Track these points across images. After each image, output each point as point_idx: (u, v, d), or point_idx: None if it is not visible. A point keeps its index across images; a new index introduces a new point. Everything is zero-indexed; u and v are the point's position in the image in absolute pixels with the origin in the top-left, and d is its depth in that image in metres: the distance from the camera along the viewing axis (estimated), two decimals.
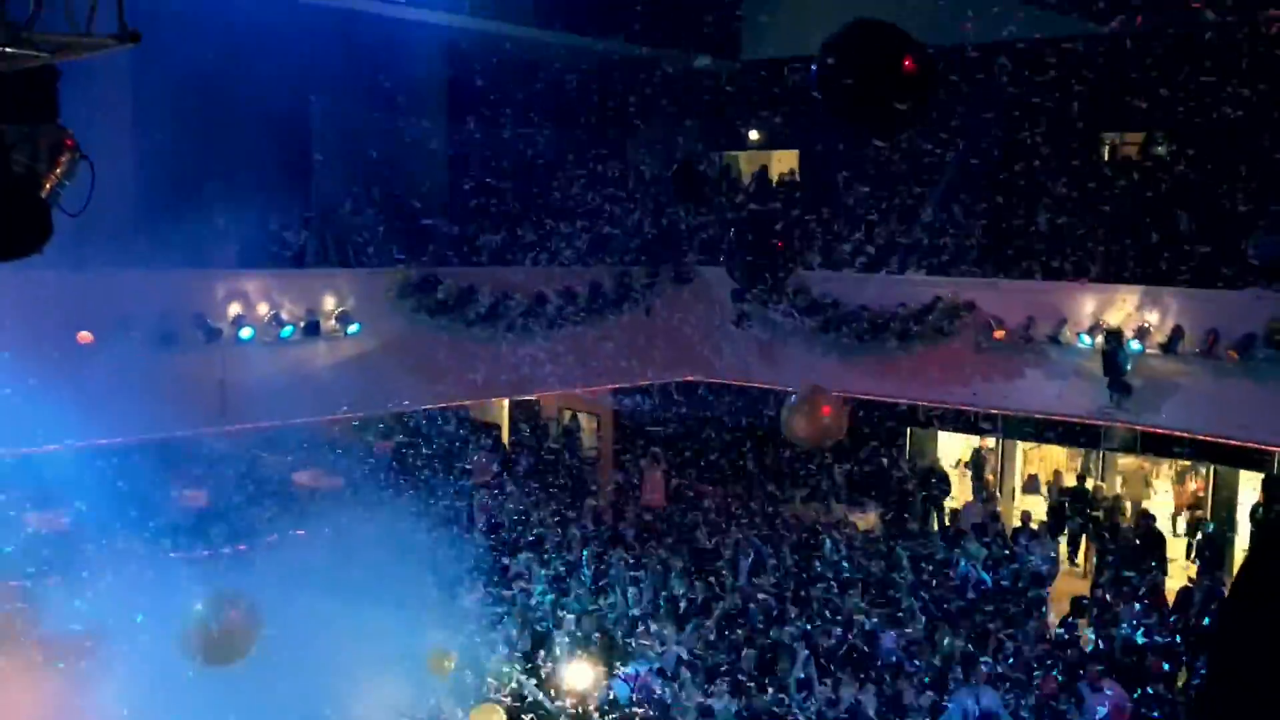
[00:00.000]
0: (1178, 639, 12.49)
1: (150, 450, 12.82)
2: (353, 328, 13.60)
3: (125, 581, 10.48)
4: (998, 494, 18.56)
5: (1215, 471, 16.97)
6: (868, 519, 17.12)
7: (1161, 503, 18.19)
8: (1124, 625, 12.75)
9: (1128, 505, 17.75)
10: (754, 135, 20.44)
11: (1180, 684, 11.82)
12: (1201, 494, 17.60)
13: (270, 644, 8.97)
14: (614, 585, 14.35)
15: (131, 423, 11.72)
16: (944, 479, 18.72)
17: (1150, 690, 11.26)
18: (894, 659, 12.20)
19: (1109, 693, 10.95)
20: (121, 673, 9.46)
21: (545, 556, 15.31)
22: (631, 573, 14.90)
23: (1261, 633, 1.24)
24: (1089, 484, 17.94)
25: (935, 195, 15.95)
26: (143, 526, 11.65)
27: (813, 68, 4.93)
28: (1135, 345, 13.47)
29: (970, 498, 18.41)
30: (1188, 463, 17.75)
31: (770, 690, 11.43)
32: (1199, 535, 16.28)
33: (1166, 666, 11.71)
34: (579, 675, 11.47)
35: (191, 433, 12.77)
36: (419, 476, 15.98)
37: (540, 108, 17.25)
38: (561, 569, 14.94)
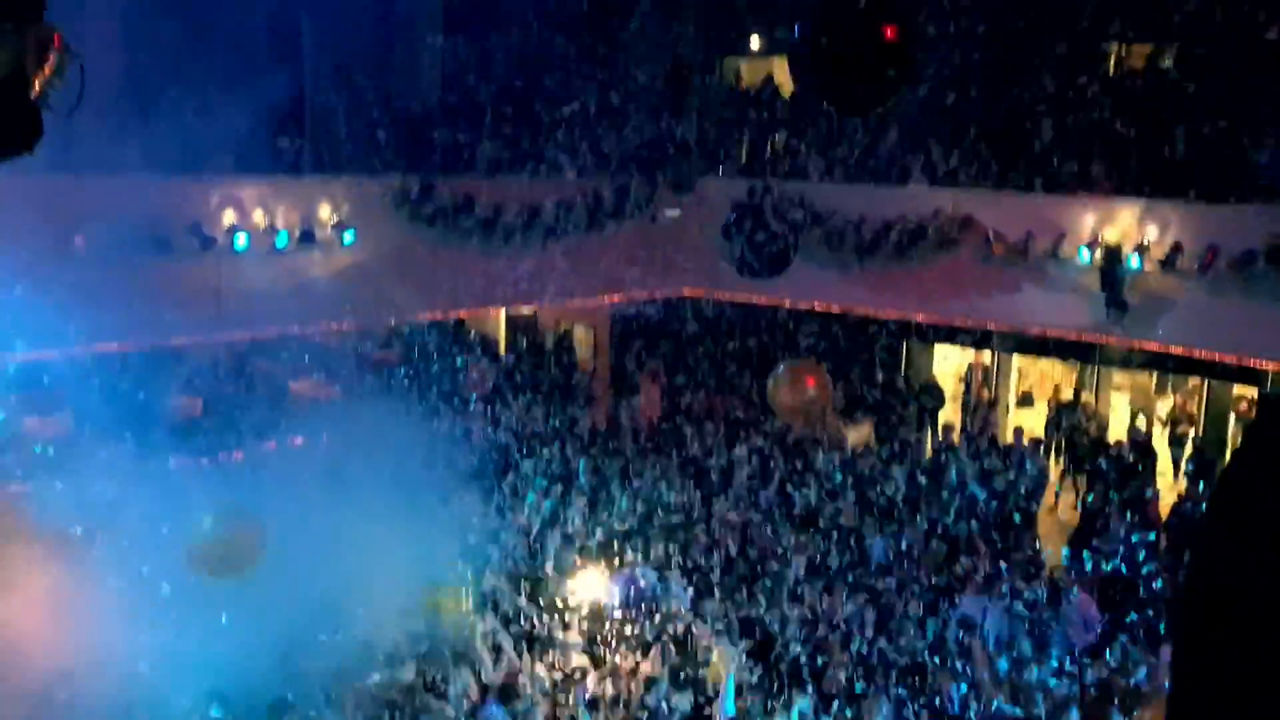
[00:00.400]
0: (1166, 553, 12.64)
1: (147, 357, 12.80)
2: (348, 237, 13.52)
3: (123, 486, 10.54)
4: (992, 409, 18.63)
5: (1209, 387, 17.04)
6: (861, 432, 17.20)
7: (1154, 418, 18.29)
8: (1115, 542, 12.89)
9: (1122, 420, 17.86)
10: (755, 42, 20.09)
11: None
12: (1194, 410, 17.69)
13: (268, 548, 9.09)
14: (609, 496, 14.48)
15: (127, 329, 11.71)
16: (939, 393, 18.78)
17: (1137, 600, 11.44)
18: (885, 566, 12.36)
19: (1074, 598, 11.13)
20: (118, 575, 9.56)
21: (542, 468, 15.43)
22: (626, 484, 15.04)
23: (1245, 530, 1.23)
24: (1084, 398, 18.02)
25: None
26: (141, 432, 11.68)
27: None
28: (1134, 261, 13.43)
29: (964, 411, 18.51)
30: (1182, 379, 17.81)
31: (762, 599, 11.60)
32: (1190, 451, 16.41)
33: (1159, 584, 11.87)
34: (576, 583, 11.65)
35: (188, 340, 12.75)
36: (416, 388, 16.02)
37: (538, 14, 16.92)
38: (558, 481, 15.06)
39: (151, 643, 9.11)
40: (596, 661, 10.24)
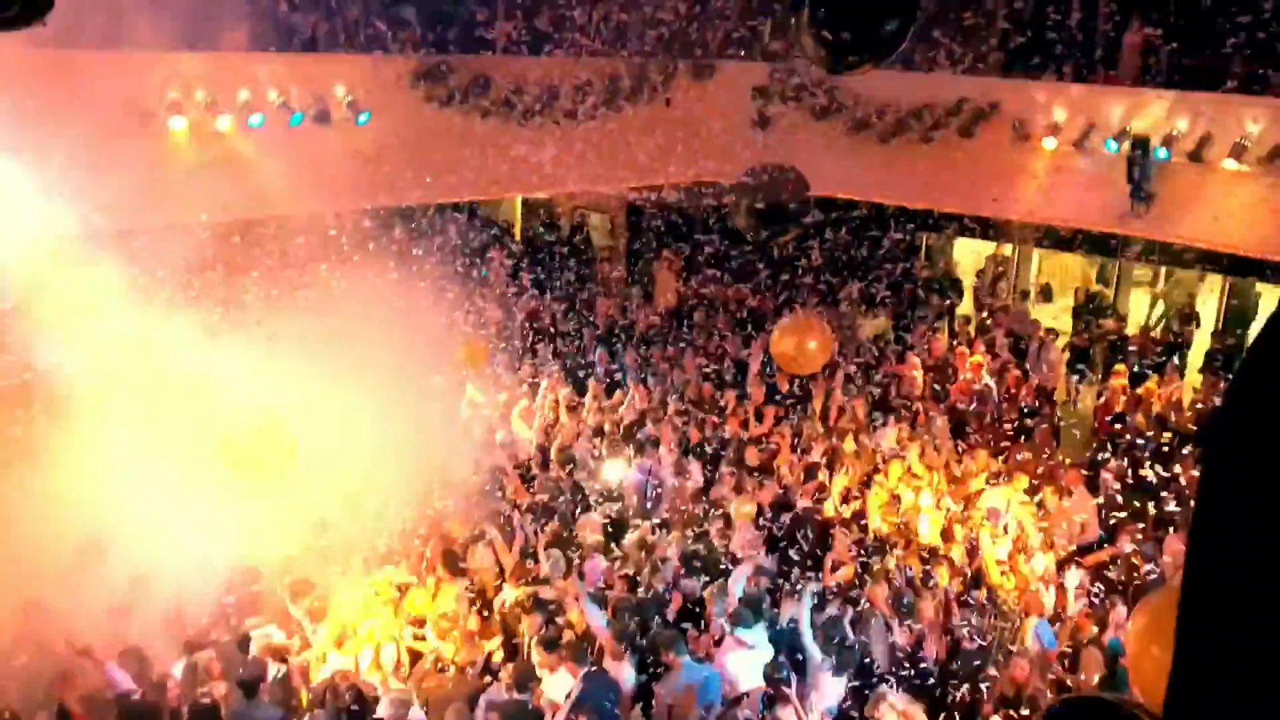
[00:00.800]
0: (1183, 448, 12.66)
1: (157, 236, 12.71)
2: (363, 117, 13.35)
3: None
4: (1010, 302, 18.55)
5: (1231, 284, 16.91)
6: (878, 324, 17.16)
7: (1175, 314, 18.17)
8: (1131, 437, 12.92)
9: (1141, 316, 17.78)
10: None
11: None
12: (1216, 307, 17.57)
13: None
14: (624, 384, 14.55)
15: (142, 207, 11.67)
16: (957, 286, 18.71)
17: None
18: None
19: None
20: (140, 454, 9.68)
21: (557, 355, 15.49)
22: (642, 372, 15.11)
23: (1261, 422, 1.19)
24: (1106, 294, 17.91)
25: None
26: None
27: None
28: (1161, 152, 13.19)
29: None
30: (1204, 274, 17.65)
31: (775, 486, 11.73)
32: (1209, 346, 16.34)
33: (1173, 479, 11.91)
34: (593, 467, 11.81)
35: (200, 218, 12.71)
36: (431, 274, 15.96)
37: None
38: (575, 368, 15.14)
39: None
40: (611, 544, 10.41)
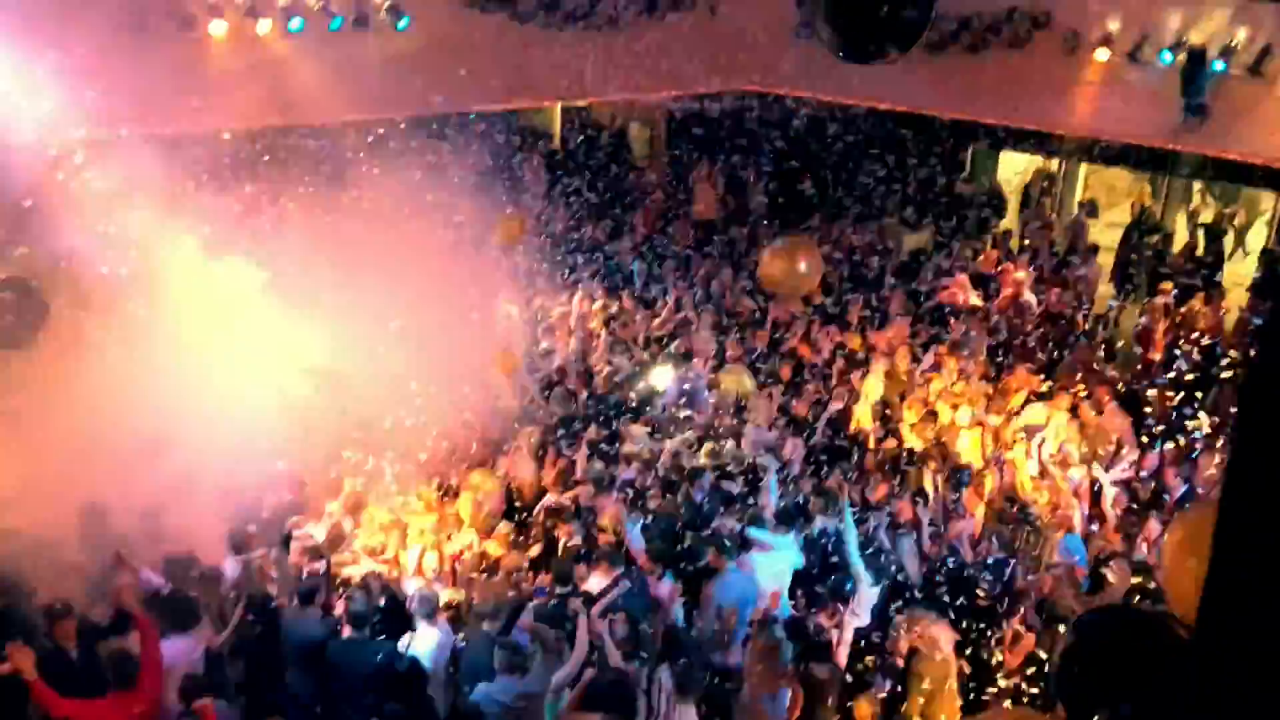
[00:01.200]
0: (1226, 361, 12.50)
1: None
2: (402, 21, 13.21)
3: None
4: (1054, 217, 18.26)
5: None
6: (919, 237, 16.96)
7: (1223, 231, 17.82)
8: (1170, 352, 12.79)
9: (1187, 233, 17.45)
10: None
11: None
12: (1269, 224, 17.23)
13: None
14: (663, 296, 14.54)
15: (182, 113, 11.67)
16: (1001, 200, 18.43)
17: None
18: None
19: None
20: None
21: (595, 267, 15.44)
22: (680, 283, 15.08)
23: None
24: (1154, 210, 17.57)
25: None
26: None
27: None
28: (1219, 64, 12.82)
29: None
30: (1254, 192, 17.28)
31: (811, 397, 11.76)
32: (1258, 264, 16.06)
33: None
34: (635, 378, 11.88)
35: (240, 125, 12.69)
36: (469, 182, 15.90)
37: None
38: (612, 279, 15.12)
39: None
40: (648, 453, 10.50)
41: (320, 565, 8.13)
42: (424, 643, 7.43)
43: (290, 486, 9.27)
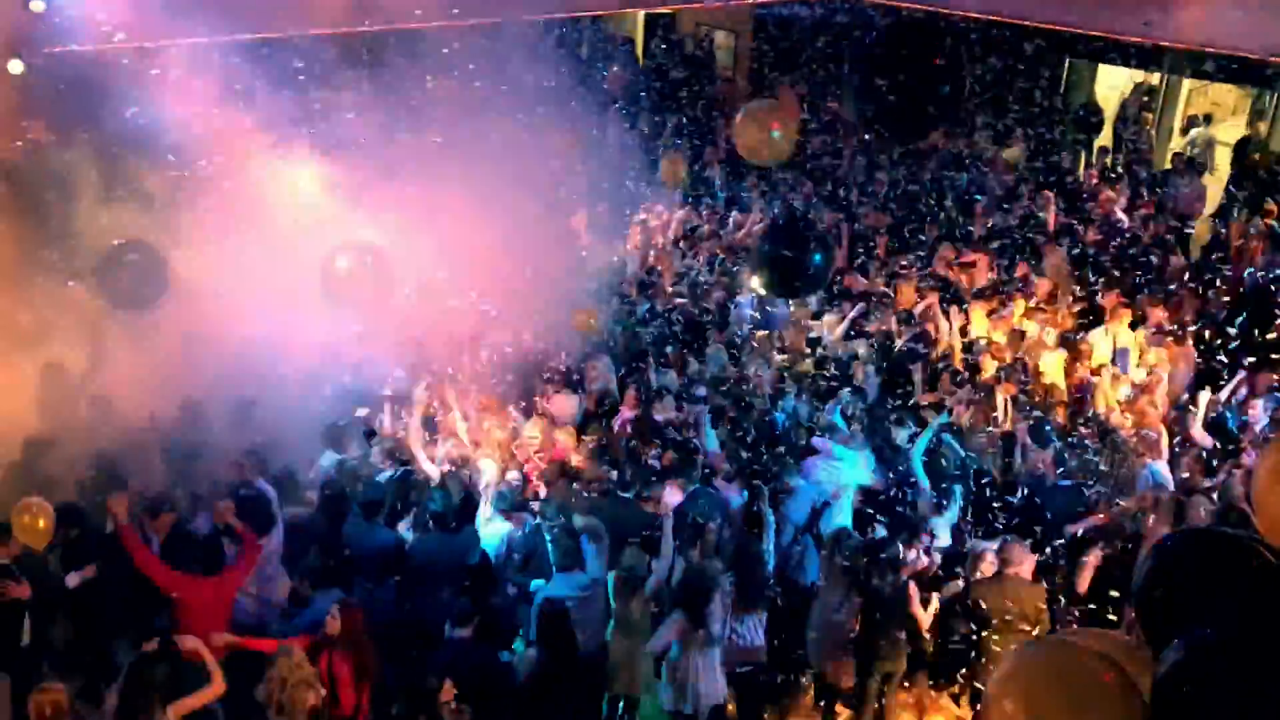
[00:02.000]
0: None
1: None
2: None
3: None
4: (1154, 135, 17.59)
5: None
6: (1012, 153, 16.46)
7: None
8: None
9: None
10: None
11: None
12: None
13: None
14: (745, 209, 14.36)
15: (260, 20, 11.63)
16: (1099, 115, 17.78)
17: None
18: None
19: None
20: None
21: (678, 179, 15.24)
22: (762, 197, 14.87)
23: None
24: (1261, 128, 16.81)
25: None
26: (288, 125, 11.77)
27: None
28: None
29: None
30: None
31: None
32: None
33: None
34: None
35: (324, 31, 12.61)
36: (550, 91, 15.74)
37: None
38: (694, 193, 14.96)
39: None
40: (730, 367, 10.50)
41: (398, 467, 8.32)
42: (494, 539, 7.73)
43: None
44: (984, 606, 7.18)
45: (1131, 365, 10.63)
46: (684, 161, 10.85)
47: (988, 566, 7.35)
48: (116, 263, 8.56)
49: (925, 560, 7.59)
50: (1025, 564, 7.30)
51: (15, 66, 9.25)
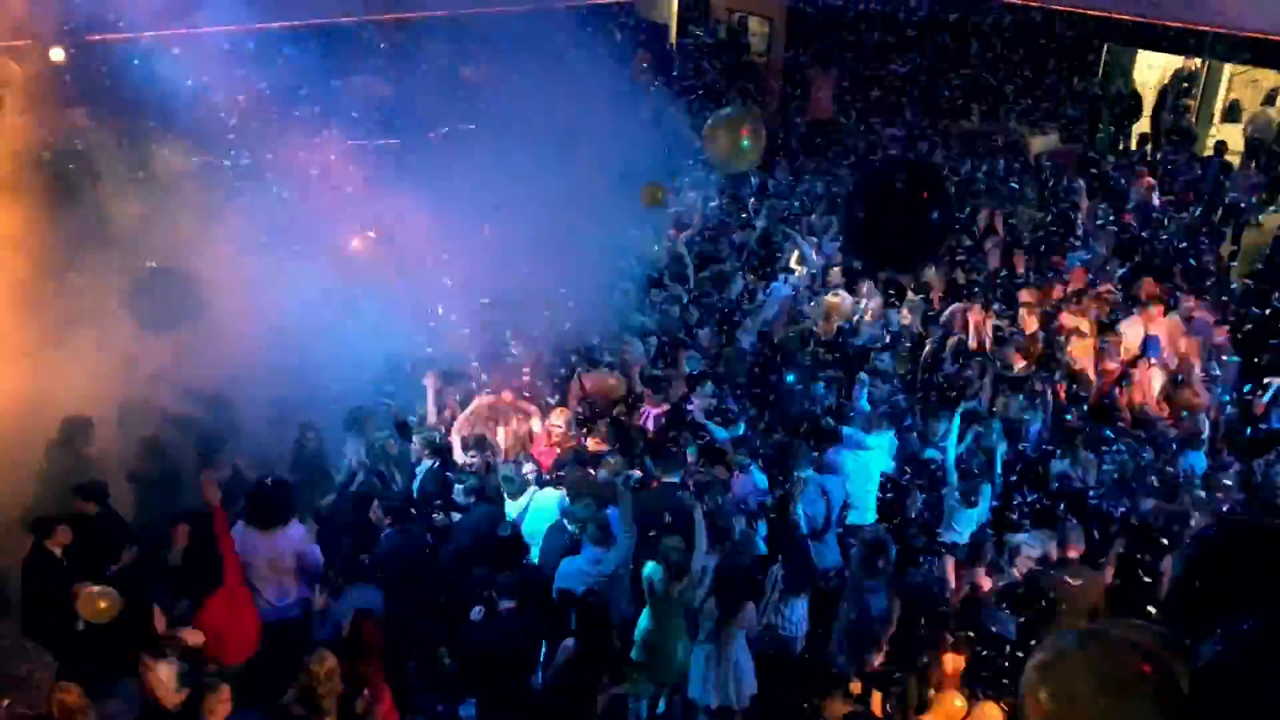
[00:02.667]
0: None
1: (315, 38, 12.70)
2: None
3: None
4: (1194, 120, 17.36)
5: None
6: (1047, 140, 16.30)
7: None
8: None
9: None
10: None
11: None
12: None
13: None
14: (779, 194, 14.31)
15: (297, 8, 11.70)
16: (1137, 101, 17.56)
17: None
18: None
19: None
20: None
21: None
22: (796, 184, 14.81)
23: None
24: None
25: None
26: (323, 112, 11.82)
27: None
28: None
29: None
30: None
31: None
32: None
33: None
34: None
35: (355, 19, 12.68)
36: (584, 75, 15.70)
37: None
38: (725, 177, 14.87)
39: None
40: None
41: (435, 460, 8.35)
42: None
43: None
44: (1050, 592, 7.09)
45: (1169, 353, 10.49)
46: (663, 185, 10.77)
47: (1051, 551, 7.28)
48: (147, 288, 8.65)
49: (988, 583, 7.46)
50: (1080, 549, 7.27)
51: (57, 54, 9.36)
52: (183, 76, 9.90)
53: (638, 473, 8.01)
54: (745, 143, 10.10)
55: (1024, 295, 11.19)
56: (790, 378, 9.67)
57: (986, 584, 7.30)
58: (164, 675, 5.76)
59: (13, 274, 9.00)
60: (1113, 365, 10.24)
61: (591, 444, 8.70)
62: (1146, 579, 7.37)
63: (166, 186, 10.37)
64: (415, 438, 8.53)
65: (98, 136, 10.56)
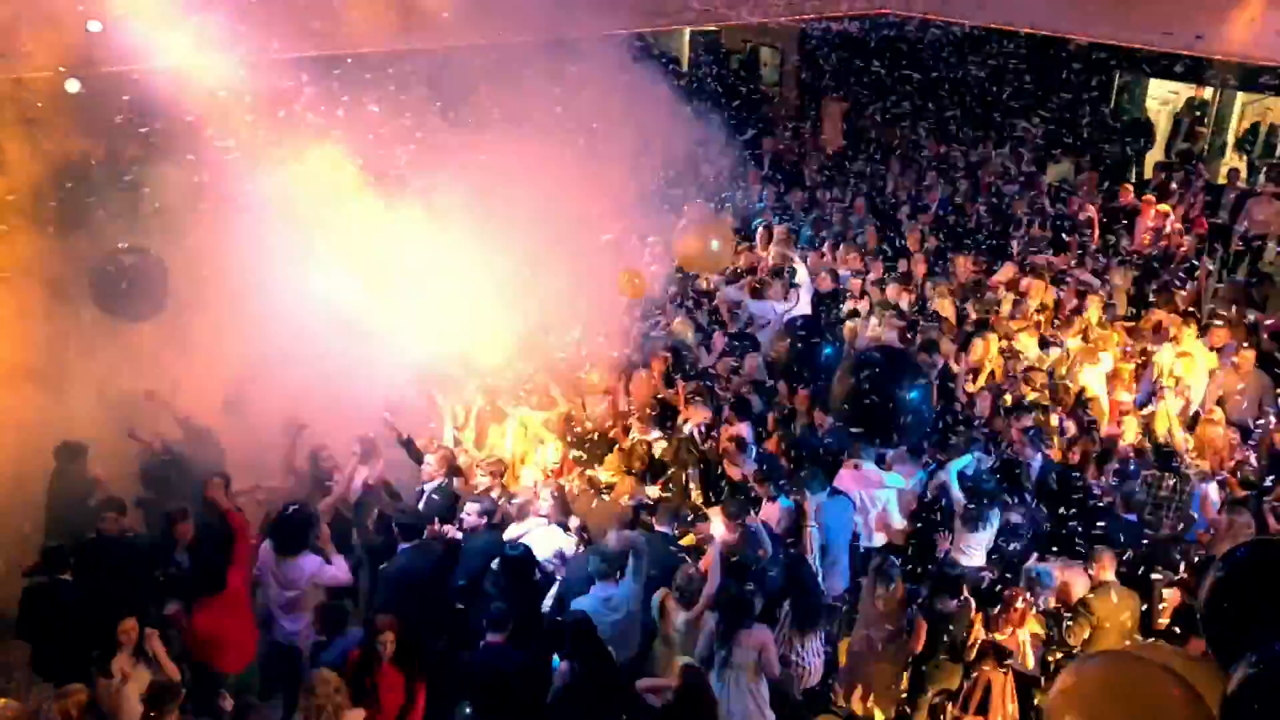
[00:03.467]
0: None
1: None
2: None
3: None
4: (1206, 149, 17.34)
5: None
6: (1060, 168, 16.29)
7: None
8: None
9: None
10: None
11: None
12: None
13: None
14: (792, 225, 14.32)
15: (307, 39, 11.73)
16: (1149, 131, 17.56)
17: None
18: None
19: None
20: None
21: (722, 196, 15.20)
22: (809, 214, 14.84)
23: None
24: None
25: None
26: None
27: None
28: None
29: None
30: None
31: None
32: None
33: None
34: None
35: (369, 50, 12.70)
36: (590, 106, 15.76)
37: None
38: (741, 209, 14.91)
39: None
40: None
41: (446, 480, 8.35)
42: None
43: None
44: (1092, 614, 7.05)
45: (1195, 385, 10.40)
46: (640, 273, 10.92)
47: (1097, 570, 7.23)
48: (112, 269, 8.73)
49: (1023, 603, 7.34)
50: (1112, 567, 7.24)
51: (72, 85, 9.40)
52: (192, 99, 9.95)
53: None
54: (714, 245, 10.65)
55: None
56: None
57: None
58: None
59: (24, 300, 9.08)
60: (1121, 401, 10.15)
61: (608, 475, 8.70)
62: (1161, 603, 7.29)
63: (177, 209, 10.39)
64: (429, 457, 8.54)
65: (106, 161, 10.63)
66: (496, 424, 9.38)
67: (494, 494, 8.24)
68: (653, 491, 8.60)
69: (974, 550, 8.06)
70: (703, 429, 9.15)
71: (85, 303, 9.51)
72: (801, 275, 12.19)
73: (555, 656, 6.80)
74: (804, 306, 11.73)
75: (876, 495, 8.47)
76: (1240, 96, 17.60)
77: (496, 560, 7.46)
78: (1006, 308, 11.48)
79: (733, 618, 6.72)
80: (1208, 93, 17.86)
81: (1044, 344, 10.92)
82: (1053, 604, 7.32)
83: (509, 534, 7.88)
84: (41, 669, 7.04)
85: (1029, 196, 14.81)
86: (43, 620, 6.94)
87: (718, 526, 7.79)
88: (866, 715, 7.63)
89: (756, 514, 7.94)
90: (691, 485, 8.74)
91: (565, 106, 12.29)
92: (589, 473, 8.81)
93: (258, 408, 9.02)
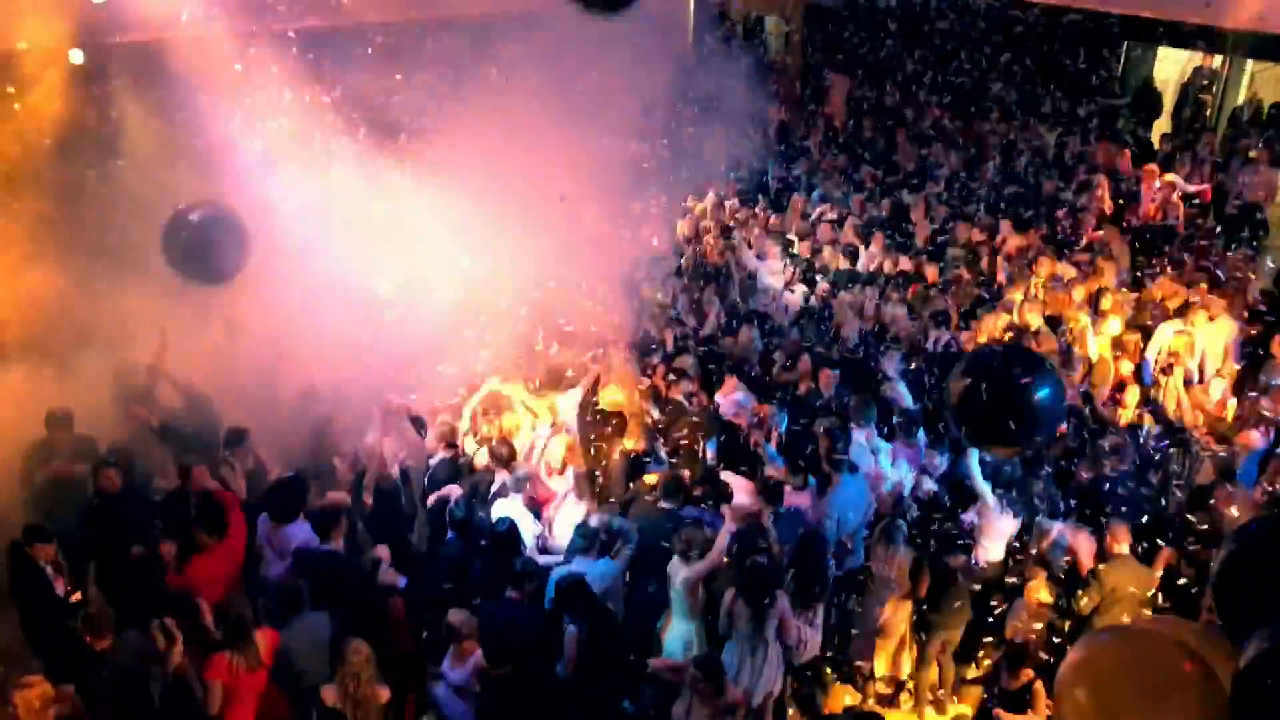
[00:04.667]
0: None
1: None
2: None
3: None
4: (1213, 119, 17.17)
5: None
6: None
7: None
8: None
9: None
10: None
11: None
12: None
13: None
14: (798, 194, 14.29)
15: (325, 9, 11.69)
16: (1157, 100, 17.41)
17: None
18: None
19: None
20: None
21: (728, 169, 15.15)
22: (814, 182, 14.78)
23: None
24: None
25: None
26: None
27: None
28: None
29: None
30: None
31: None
32: None
33: None
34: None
35: (384, 19, 12.65)
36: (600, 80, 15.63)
37: None
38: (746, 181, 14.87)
39: None
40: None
41: (450, 451, 8.37)
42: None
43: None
44: (1107, 585, 7.06)
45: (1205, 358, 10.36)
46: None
47: (1110, 542, 7.24)
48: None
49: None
50: (1127, 540, 7.26)
51: (76, 57, 9.37)
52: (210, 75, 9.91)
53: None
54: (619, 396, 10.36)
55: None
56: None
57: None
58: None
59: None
60: (1126, 370, 10.13)
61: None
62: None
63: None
64: (431, 430, 8.58)
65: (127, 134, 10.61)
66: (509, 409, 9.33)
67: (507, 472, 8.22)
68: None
69: (996, 541, 7.95)
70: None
71: (89, 273, 9.50)
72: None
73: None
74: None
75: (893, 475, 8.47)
76: (1249, 64, 17.42)
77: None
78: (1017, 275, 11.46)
79: (757, 590, 6.73)
80: (1216, 61, 17.67)
81: (1052, 323, 10.84)
82: (1064, 562, 7.34)
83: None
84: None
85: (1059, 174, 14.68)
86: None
87: (741, 496, 7.78)
88: (886, 677, 7.68)
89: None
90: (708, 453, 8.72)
91: (573, 79, 12.24)
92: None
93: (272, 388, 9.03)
